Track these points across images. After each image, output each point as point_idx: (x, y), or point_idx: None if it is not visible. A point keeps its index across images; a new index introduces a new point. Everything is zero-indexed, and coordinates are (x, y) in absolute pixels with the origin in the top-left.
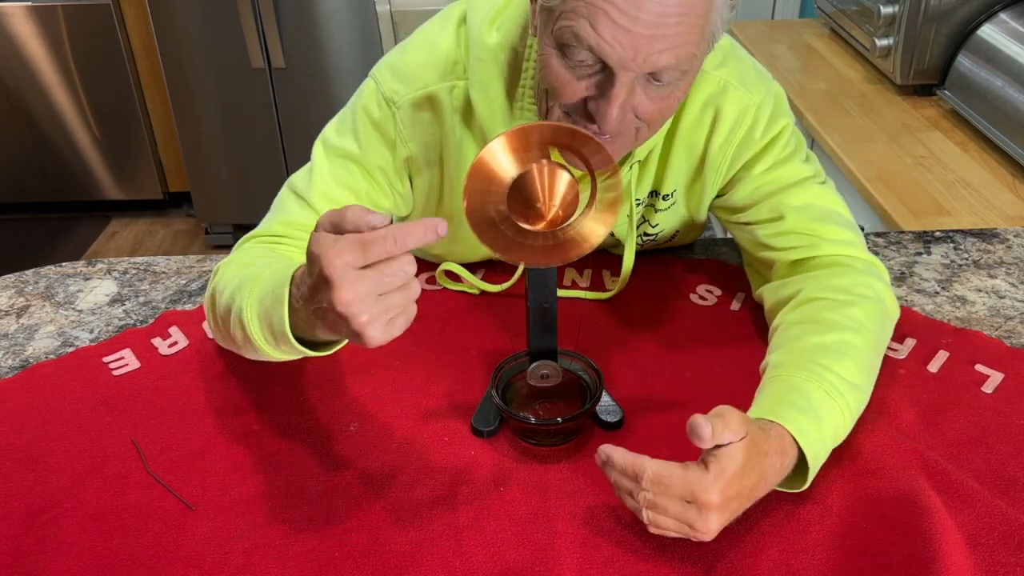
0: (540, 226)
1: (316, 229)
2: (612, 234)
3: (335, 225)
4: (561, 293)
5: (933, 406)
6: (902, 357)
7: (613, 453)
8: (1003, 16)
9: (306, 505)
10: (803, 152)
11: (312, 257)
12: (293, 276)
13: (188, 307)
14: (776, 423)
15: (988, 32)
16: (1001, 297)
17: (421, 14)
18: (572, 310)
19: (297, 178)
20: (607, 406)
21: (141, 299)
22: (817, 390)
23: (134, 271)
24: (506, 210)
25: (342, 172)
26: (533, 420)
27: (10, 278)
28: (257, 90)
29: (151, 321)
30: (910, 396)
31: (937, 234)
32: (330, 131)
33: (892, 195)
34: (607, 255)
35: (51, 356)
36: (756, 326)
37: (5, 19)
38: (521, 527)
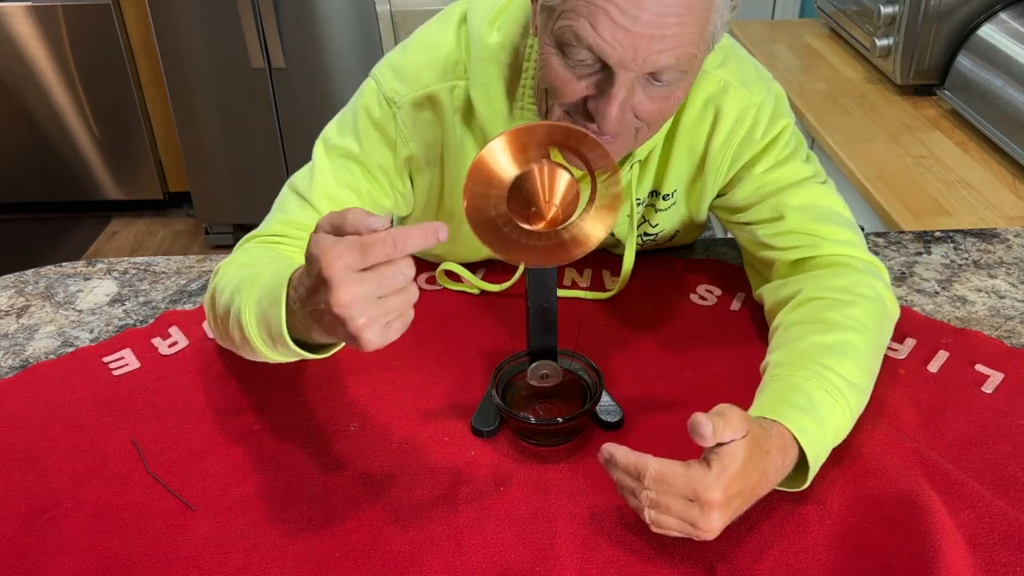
0: (540, 226)
1: (316, 230)
2: (612, 234)
3: (335, 227)
4: (561, 293)
5: (933, 406)
6: (902, 357)
7: (616, 452)
8: (1003, 16)
9: (306, 505)
10: (803, 152)
11: (311, 258)
12: (291, 278)
13: (188, 307)
14: (777, 422)
15: (988, 32)
16: (1001, 297)
17: (421, 14)
18: (572, 310)
19: (298, 178)
20: (607, 406)
21: (141, 299)
22: (818, 390)
23: (134, 271)
24: (506, 210)
25: (343, 172)
26: (533, 420)
27: (10, 278)
28: (257, 90)
29: (151, 321)
30: (910, 396)
31: (937, 234)
32: (331, 131)
33: (892, 195)
34: (607, 255)
35: (51, 356)
36: (756, 326)
37: (5, 19)
38: (521, 527)
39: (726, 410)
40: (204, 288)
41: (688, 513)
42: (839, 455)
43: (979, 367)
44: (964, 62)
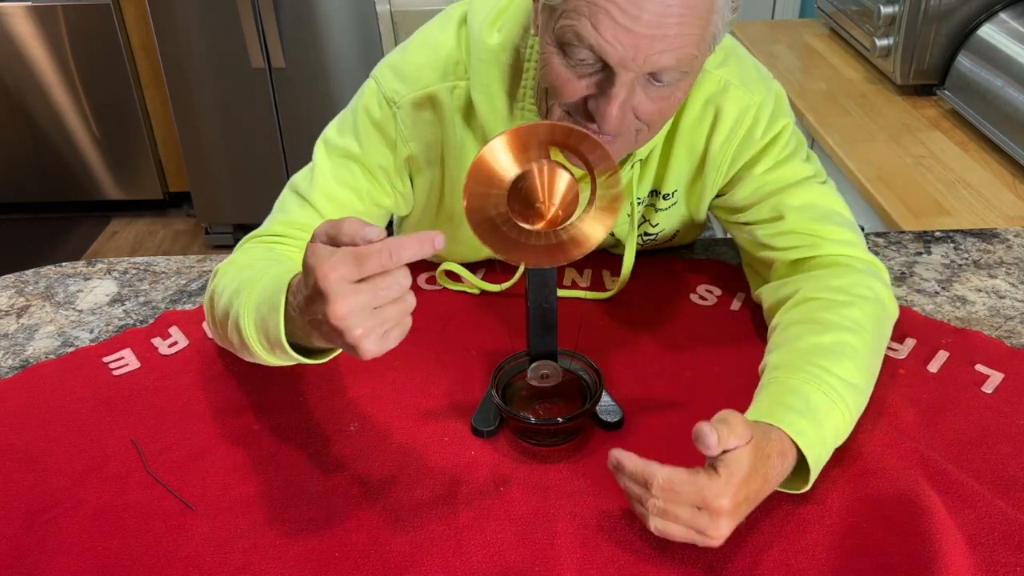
0: (540, 226)
1: (312, 240)
2: (612, 234)
3: (331, 237)
4: (561, 293)
5: (933, 406)
6: (902, 357)
7: (623, 458)
8: (1003, 16)
9: (306, 505)
10: (804, 152)
11: (308, 269)
12: (290, 284)
13: (188, 307)
14: (775, 426)
15: (988, 32)
16: (1001, 297)
17: (421, 14)
18: (572, 310)
19: (298, 178)
20: (607, 406)
21: (141, 299)
22: (816, 392)
23: (134, 271)
24: (506, 210)
25: (343, 172)
26: (533, 420)
27: (10, 278)
28: (257, 90)
29: (151, 321)
30: (910, 396)
31: (937, 234)
32: (331, 131)
33: (892, 195)
34: (607, 255)
35: (51, 356)
36: (756, 326)
37: (5, 19)
38: (521, 527)
39: (729, 417)
40: (204, 288)
41: (697, 521)
42: (839, 455)
43: (979, 367)
44: (964, 62)
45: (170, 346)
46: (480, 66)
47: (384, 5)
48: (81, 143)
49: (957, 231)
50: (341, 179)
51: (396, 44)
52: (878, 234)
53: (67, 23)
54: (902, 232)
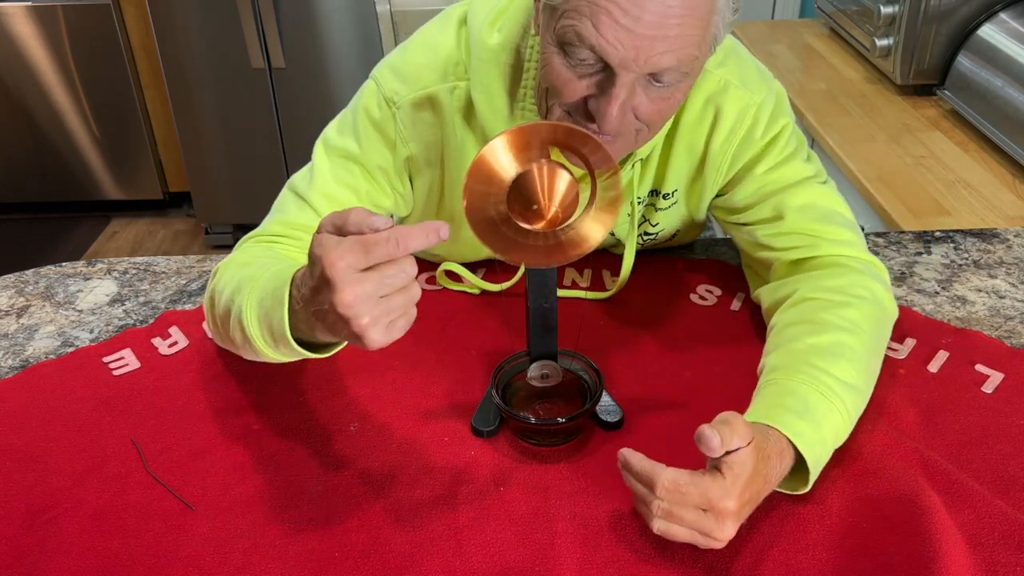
0: (540, 226)
1: (319, 230)
2: (612, 234)
3: (337, 227)
4: (561, 293)
5: (933, 406)
6: (902, 357)
7: (631, 458)
8: (1003, 16)
9: (306, 505)
10: (804, 151)
11: (314, 258)
12: (293, 277)
13: (188, 307)
14: (773, 427)
15: (988, 32)
16: (1001, 297)
17: (421, 14)
18: (572, 310)
19: (298, 178)
20: (607, 406)
21: (141, 299)
22: (813, 393)
23: (134, 271)
24: (506, 210)
25: (343, 172)
26: (533, 420)
27: (10, 278)
28: (257, 90)
29: (151, 321)
30: (910, 396)
31: (937, 234)
32: (331, 131)
33: (892, 195)
34: (607, 255)
35: (51, 356)
36: (756, 326)
37: (5, 19)
38: (521, 527)
39: (730, 418)
40: (204, 288)
41: (702, 523)
42: (839, 455)
43: (979, 367)
44: (964, 62)
45: (170, 346)
46: (480, 66)
47: (384, 5)
48: (81, 143)
49: (957, 231)
50: (340, 179)
51: (396, 44)
52: (878, 234)
53: (67, 23)
54: (902, 232)
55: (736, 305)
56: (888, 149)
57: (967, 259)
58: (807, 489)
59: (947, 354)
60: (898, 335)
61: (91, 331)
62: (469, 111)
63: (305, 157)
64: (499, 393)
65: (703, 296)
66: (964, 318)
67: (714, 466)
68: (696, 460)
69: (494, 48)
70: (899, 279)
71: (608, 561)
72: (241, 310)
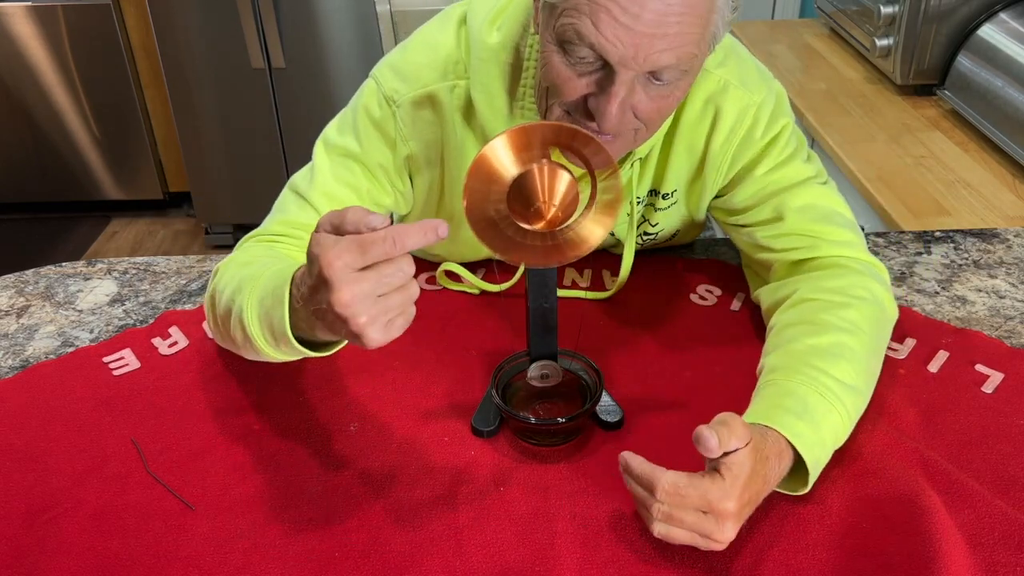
0: (540, 226)
1: (316, 230)
2: (612, 234)
3: (335, 226)
4: (561, 293)
5: (933, 406)
6: (902, 357)
7: (632, 461)
8: (1003, 16)
9: (306, 505)
10: (804, 152)
11: (312, 257)
12: (293, 276)
13: (188, 307)
14: (772, 428)
15: (988, 32)
16: (1001, 297)
17: (421, 14)
18: (572, 310)
19: (298, 178)
20: (607, 406)
21: (141, 299)
22: (812, 394)
23: (134, 271)
24: (506, 210)
25: (343, 171)
26: (533, 420)
27: (10, 278)
28: (257, 90)
29: (151, 321)
30: (910, 396)
31: (937, 234)
32: (331, 130)
33: (892, 195)
34: (607, 255)
35: (51, 356)
36: (756, 326)
37: (5, 19)
38: (521, 527)
39: (728, 419)
40: (204, 288)
41: (702, 525)
42: (839, 455)
43: (979, 367)
44: (964, 62)
45: (170, 346)
46: (480, 65)
47: (384, 5)
48: (81, 143)
49: (957, 231)
50: (341, 178)
51: (396, 44)
52: (878, 234)
53: (67, 23)
54: (902, 232)
55: (736, 305)
56: (888, 149)
57: (967, 259)
58: (807, 490)
59: (947, 354)
60: (898, 335)
61: (91, 331)
62: (469, 110)
63: (305, 157)
64: (499, 393)
65: (703, 296)
66: (964, 318)
67: (713, 468)
68: (696, 460)
69: (494, 47)
70: (899, 279)
71: (608, 561)
72: (242, 309)
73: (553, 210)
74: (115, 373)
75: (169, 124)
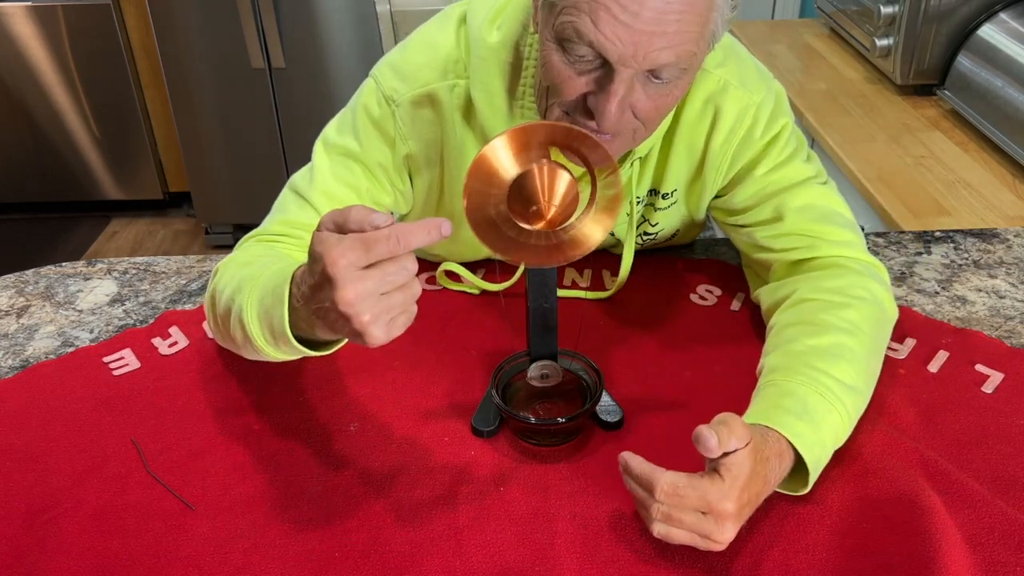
0: (540, 226)
1: (319, 228)
2: (612, 234)
3: (338, 225)
4: (561, 293)
5: (933, 406)
6: (902, 357)
7: (631, 461)
8: (1003, 16)
9: (306, 505)
10: (804, 152)
11: (315, 256)
12: (293, 275)
13: (188, 307)
14: (772, 428)
15: (988, 32)
16: (1001, 297)
17: (421, 14)
18: (572, 310)
19: (298, 177)
20: (607, 406)
21: (141, 299)
22: (813, 394)
23: (134, 271)
24: (506, 210)
25: (343, 170)
26: (533, 420)
27: (10, 278)
28: (257, 90)
29: (151, 321)
30: (910, 396)
31: (937, 234)
32: (331, 130)
33: (892, 195)
34: (607, 255)
35: (51, 356)
36: (756, 326)
37: (5, 19)
38: (521, 527)
39: (728, 419)
40: (204, 288)
41: (702, 526)
42: (839, 455)
43: (979, 367)
44: (964, 62)
45: (170, 346)
46: (480, 64)
47: (384, 5)
48: (81, 143)
49: (957, 231)
50: (340, 178)
51: (396, 44)
52: (878, 234)
53: (67, 23)
54: (902, 232)
55: (736, 305)
56: (888, 149)
57: (967, 259)
58: (807, 490)
59: (947, 354)
60: (898, 335)
61: (91, 331)
62: (468, 109)
63: (305, 157)
64: (499, 393)
65: (703, 296)
66: (964, 318)
67: (712, 468)
68: (696, 460)
69: (494, 46)
70: (899, 279)
71: (608, 561)
72: (242, 309)
73: (553, 210)
74: (115, 373)
75: (169, 124)
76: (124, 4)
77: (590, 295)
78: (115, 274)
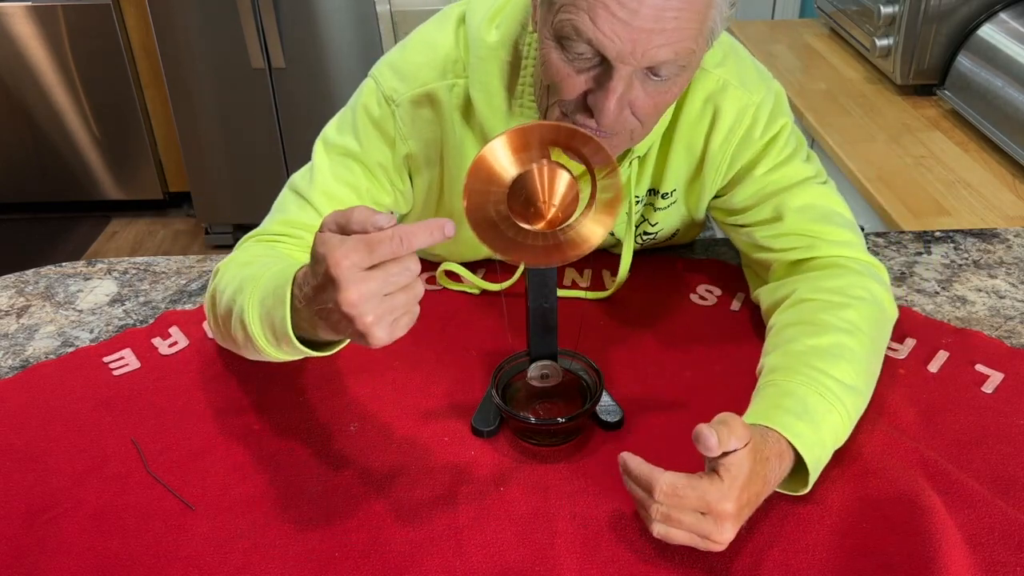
0: (540, 226)
1: (321, 229)
2: (612, 234)
3: (341, 226)
4: (561, 293)
5: (933, 406)
6: (902, 357)
7: (630, 461)
8: (1003, 16)
9: (306, 505)
10: (804, 151)
11: (318, 257)
12: (295, 276)
13: (188, 307)
14: (772, 429)
15: (988, 32)
16: (1001, 297)
17: (421, 14)
18: (572, 310)
19: (298, 177)
20: (607, 406)
21: (141, 299)
22: (813, 394)
23: (134, 271)
24: (506, 210)
25: (343, 170)
26: (533, 420)
27: (10, 278)
28: (257, 90)
29: (151, 321)
30: (910, 396)
31: (937, 234)
32: (330, 130)
33: (892, 195)
34: (607, 255)
35: (51, 356)
36: (756, 326)
37: (5, 19)
38: (521, 527)
39: (728, 419)
40: (204, 288)
41: (701, 526)
42: (839, 455)
43: (979, 367)
44: (964, 62)
45: (170, 346)
46: (479, 63)
47: (384, 5)
48: (81, 143)
49: (957, 231)
50: (340, 177)
51: (396, 44)
52: (878, 234)
53: (67, 23)
54: (902, 232)
55: (736, 305)
56: (888, 149)
57: (967, 259)
58: (807, 490)
59: (947, 354)
60: (898, 335)
61: (91, 331)
62: (468, 109)
63: (305, 157)
64: (499, 393)
65: (703, 296)
66: (964, 318)
67: (712, 469)
68: (696, 460)
69: (493, 45)
70: (899, 279)
71: (608, 561)
72: (243, 310)
73: (553, 210)
74: (115, 373)
75: (169, 124)
76: (124, 4)
77: (590, 295)
78: (115, 274)
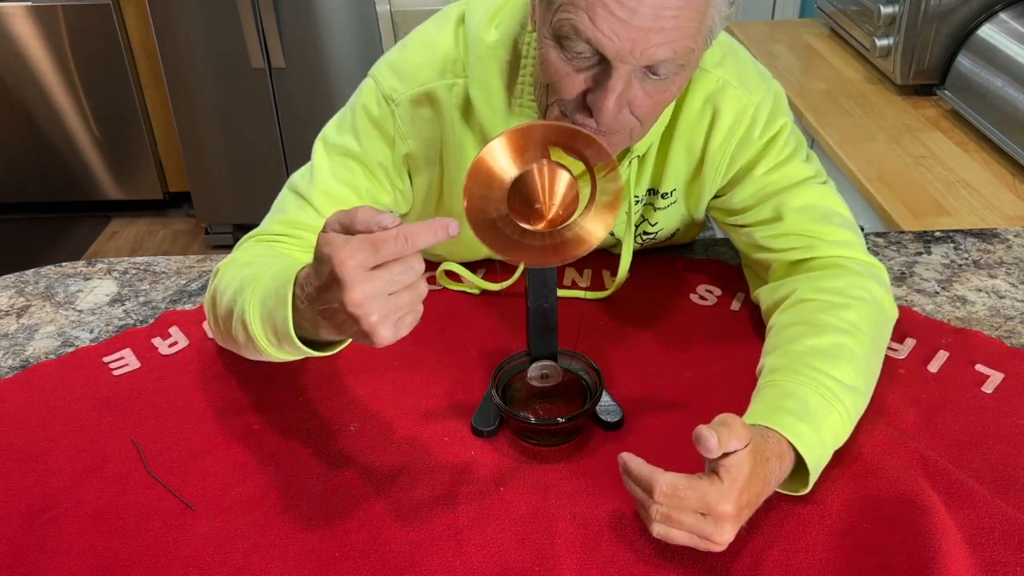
0: (540, 226)
1: (325, 229)
2: (612, 233)
3: (344, 226)
4: (561, 293)
5: (933, 406)
6: (902, 357)
7: (630, 462)
8: (1003, 16)
9: (306, 505)
10: (803, 151)
11: (322, 257)
12: (297, 276)
13: (188, 307)
14: (773, 429)
15: (988, 32)
16: (1001, 297)
17: (421, 14)
18: (572, 310)
19: (297, 177)
20: (607, 406)
21: (141, 299)
22: (813, 395)
23: (134, 271)
24: (506, 210)
25: (342, 170)
26: (533, 420)
27: (10, 278)
28: (257, 90)
29: (151, 321)
30: (910, 396)
31: (937, 234)
32: (330, 130)
33: (892, 195)
34: (607, 254)
35: (51, 356)
36: (756, 326)
37: (5, 19)
38: (521, 527)
39: (729, 420)
40: (204, 288)
41: (701, 527)
42: (839, 455)
43: (979, 367)
44: (964, 62)
45: (170, 346)
46: (478, 63)
47: (384, 5)
48: (81, 143)
49: (957, 231)
50: (340, 177)
51: (396, 44)
52: (878, 234)
53: (67, 23)
54: (902, 232)
55: (736, 305)
56: (888, 149)
57: (967, 259)
58: (807, 490)
59: (947, 354)
60: (898, 335)
61: (91, 331)
62: (467, 109)
63: (305, 157)
64: (499, 393)
65: (703, 296)
66: (964, 318)
67: (712, 469)
68: (696, 460)
69: (492, 44)
70: (899, 279)
71: (608, 561)
72: (244, 310)
73: (553, 210)
74: (115, 373)
75: (169, 124)
76: (124, 4)
77: (590, 295)
78: (115, 274)
